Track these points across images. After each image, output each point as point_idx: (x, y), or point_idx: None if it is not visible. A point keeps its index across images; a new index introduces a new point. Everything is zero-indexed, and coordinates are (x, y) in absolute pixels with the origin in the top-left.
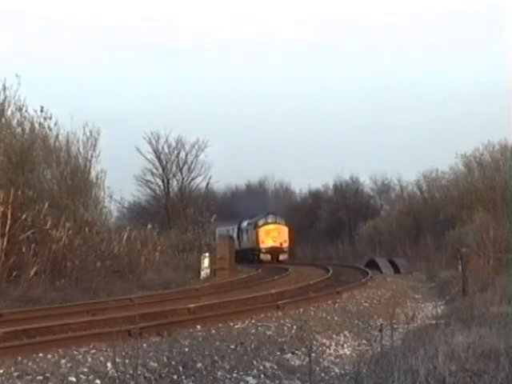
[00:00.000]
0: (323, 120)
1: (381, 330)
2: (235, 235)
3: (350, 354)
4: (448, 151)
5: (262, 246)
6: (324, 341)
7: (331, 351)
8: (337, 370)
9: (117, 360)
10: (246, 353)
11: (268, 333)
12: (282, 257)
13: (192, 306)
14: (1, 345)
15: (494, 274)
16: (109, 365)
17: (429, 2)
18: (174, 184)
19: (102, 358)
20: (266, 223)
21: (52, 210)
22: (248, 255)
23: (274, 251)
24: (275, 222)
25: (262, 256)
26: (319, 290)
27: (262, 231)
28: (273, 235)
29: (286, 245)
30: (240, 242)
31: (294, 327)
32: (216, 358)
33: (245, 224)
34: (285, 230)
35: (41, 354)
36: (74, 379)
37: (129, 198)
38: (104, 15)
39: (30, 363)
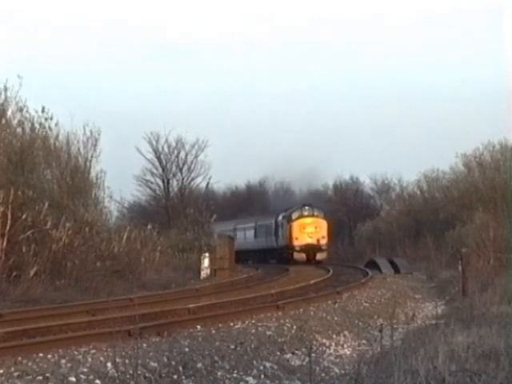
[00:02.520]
0: (323, 120)
1: (381, 330)
2: (273, 230)
3: (350, 354)
4: (448, 151)
5: (296, 243)
6: (324, 341)
7: (331, 351)
8: (337, 370)
9: (117, 360)
10: (246, 353)
11: (268, 333)
12: (319, 256)
13: (192, 306)
14: (1, 345)
15: (494, 274)
16: (109, 365)
17: (429, 2)
18: (174, 184)
19: (102, 358)
20: (301, 216)
21: (52, 210)
22: (284, 254)
23: (311, 249)
24: (312, 215)
25: (296, 255)
26: (319, 289)
27: (295, 226)
28: (309, 230)
29: (324, 242)
30: (277, 238)
31: (294, 327)
32: (216, 358)
33: (280, 218)
34: (323, 224)
35: (41, 354)
36: (73, 379)
37: (129, 198)
38: (104, 15)
39: (29, 363)
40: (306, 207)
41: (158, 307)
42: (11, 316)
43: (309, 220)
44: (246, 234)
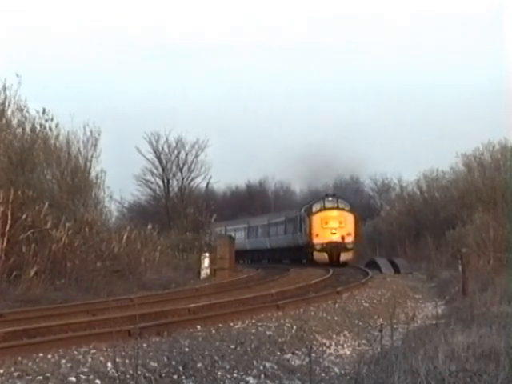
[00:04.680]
0: (323, 120)
1: (381, 330)
2: (298, 225)
3: (350, 354)
4: (448, 151)
5: (317, 240)
6: (324, 341)
7: (331, 351)
8: (337, 370)
9: (117, 360)
10: (246, 353)
11: (268, 333)
12: (344, 256)
13: (192, 305)
14: (1, 345)
15: (494, 274)
16: (109, 365)
17: (429, 2)
18: (174, 184)
19: (102, 358)
20: (323, 208)
21: (52, 210)
22: (305, 253)
23: (334, 248)
24: (336, 208)
25: (317, 255)
26: (319, 290)
27: (316, 220)
28: (332, 225)
29: (350, 239)
30: (301, 234)
31: (294, 327)
32: (216, 357)
33: (303, 210)
34: (349, 217)
35: (41, 354)
36: (74, 379)
37: (129, 198)
38: (104, 15)
39: (30, 363)
40: (330, 198)
41: (158, 307)
42: (11, 316)
43: (332, 213)
44: (277, 230)
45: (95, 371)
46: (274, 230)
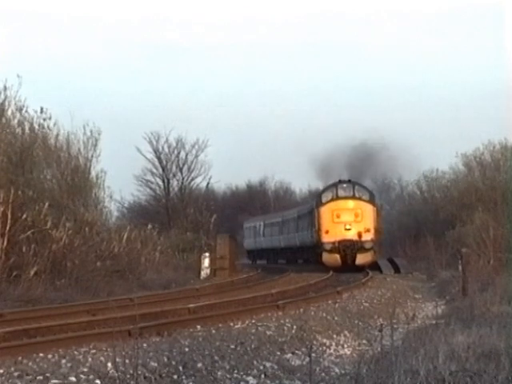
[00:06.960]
0: (323, 119)
1: (381, 330)
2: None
3: (350, 354)
4: (448, 151)
5: (326, 238)
6: (324, 341)
7: (331, 351)
8: (337, 370)
9: (117, 360)
10: (246, 353)
11: (268, 333)
12: (361, 258)
13: (192, 305)
14: (1, 345)
15: (494, 274)
16: (109, 365)
17: (428, 3)
18: (174, 184)
19: (102, 358)
20: (335, 198)
21: (52, 209)
22: (312, 254)
23: (348, 248)
24: (351, 197)
25: (326, 257)
26: (319, 289)
27: (326, 212)
28: (346, 219)
29: (369, 237)
30: (315, 230)
31: (294, 327)
32: (216, 357)
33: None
34: (368, 209)
35: (41, 354)
36: (74, 379)
37: (129, 198)
38: (104, 14)
39: (30, 363)
40: (344, 184)
41: (158, 307)
42: (11, 316)
43: (347, 204)
44: (303, 224)
45: (95, 371)
46: (301, 224)
